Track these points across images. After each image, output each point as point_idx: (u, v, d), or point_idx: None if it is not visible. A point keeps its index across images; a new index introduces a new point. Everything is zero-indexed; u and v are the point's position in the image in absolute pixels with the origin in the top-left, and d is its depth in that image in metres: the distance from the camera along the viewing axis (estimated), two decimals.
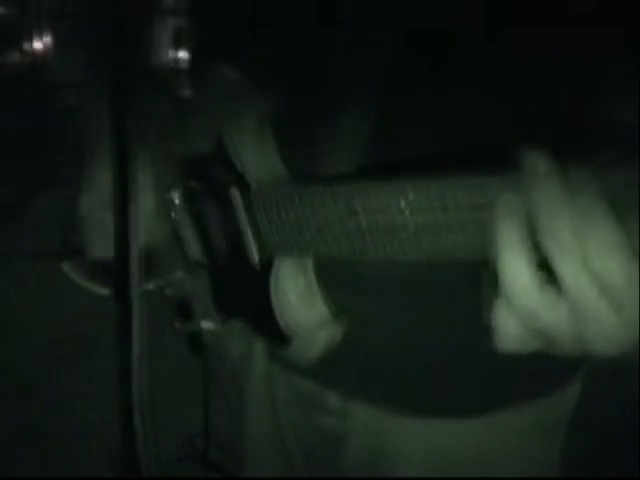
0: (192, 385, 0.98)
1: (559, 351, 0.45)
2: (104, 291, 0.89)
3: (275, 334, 0.73)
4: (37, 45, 4.23)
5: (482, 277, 0.46)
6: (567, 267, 0.41)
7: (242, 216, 0.74)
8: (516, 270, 0.43)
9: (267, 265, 0.73)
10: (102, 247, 0.83)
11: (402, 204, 0.55)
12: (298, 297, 0.71)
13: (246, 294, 0.78)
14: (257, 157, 0.73)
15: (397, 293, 0.73)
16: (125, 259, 0.64)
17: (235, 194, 0.74)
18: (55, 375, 2.15)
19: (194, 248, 0.87)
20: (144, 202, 0.87)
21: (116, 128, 0.59)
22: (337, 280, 0.72)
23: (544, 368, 0.72)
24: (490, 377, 0.75)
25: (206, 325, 0.89)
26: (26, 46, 4.22)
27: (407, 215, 0.55)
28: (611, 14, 0.53)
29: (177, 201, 0.86)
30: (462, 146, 0.60)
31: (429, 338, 0.74)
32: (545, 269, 0.42)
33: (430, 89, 0.63)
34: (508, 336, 0.45)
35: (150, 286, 0.90)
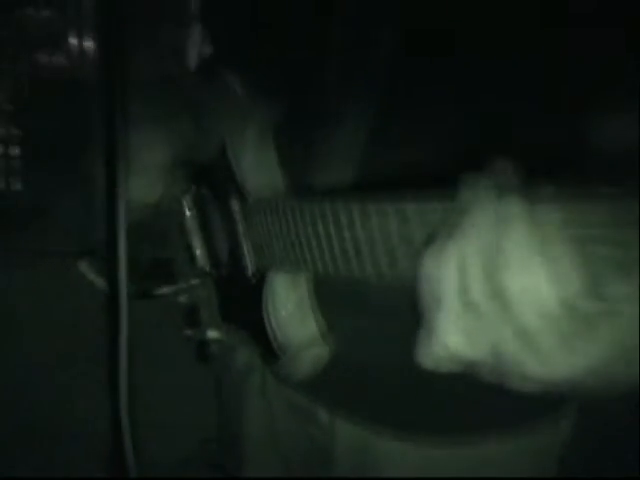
0: (203, 390, 0.98)
1: (483, 376, 0.44)
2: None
3: (268, 347, 0.73)
4: (69, 46, 4.30)
5: None
6: (482, 291, 0.41)
7: (240, 227, 0.74)
8: (441, 292, 0.43)
9: (263, 277, 0.73)
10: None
11: (398, 220, 0.52)
12: (289, 313, 0.71)
13: (245, 305, 0.78)
14: (257, 167, 0.72)
15: (394, 314, 0.71)
16: (114, 261, 0.64)
17: (234, 204, 0.75)
18: (58, 375, 2.16)
19: (201, 256, 0.88)
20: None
21: (106, 131, 0.59)
22: (333, 298, 0.71)
23: (538, 394, 0.71)
24: (484, 404, 0.72)
25: (211, 334, 0.90)
26: (59, 47, 4.30)
27: (404, 230, 0.52)
28: (611, 14, 0.52)
29: (187, 209, 0.88)
30: (461, 147, 0.59)
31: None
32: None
33: (429, 89, 0.62)
34: (429, 356, 0.44)
35: (163, 291, 0.92)
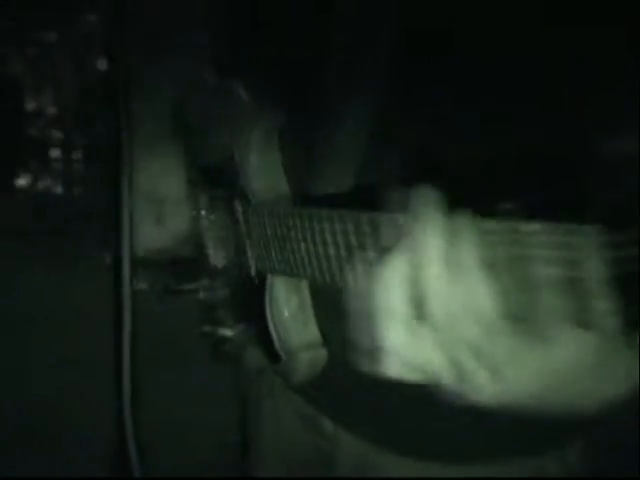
0: (211, 390, 0.97)
1: (442, 387, 0.44)
2: (143, 285, 0.90)
3: (270, 349, 0.73)
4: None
5: None
6: (434, 306, 0.40)
7: (243, 229, 0.75)
8: (390, 304, 0.43)
9: (265, 279, 0.73)
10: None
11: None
12: (291, 316, 0.70)
13: (251, 305, 0.78)
14: (261, 170, 0.73)
15: None
16: (118, 260, 0.65)
17: (238, 207, 0.75)
18: (59, 374, 2.15)
19: (214, 256, 0.88)
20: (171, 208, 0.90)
21: (110, 133, 0.60)
22: (334, 306, 0.71)
23: (545, 423, 0.69)
24: (486, 425, 0.68)
25: (225, 332, 0.90)
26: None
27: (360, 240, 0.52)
28: (611, 14, 0.51)
29: (201, 210, 0.88)
30: (463, 147, 0.58)
31: None
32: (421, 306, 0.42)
33: (430, 89, 0.61)
34: (392, 365, 0.44)
35: (183, 288, 0.92)
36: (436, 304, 0.40)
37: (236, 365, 0.99)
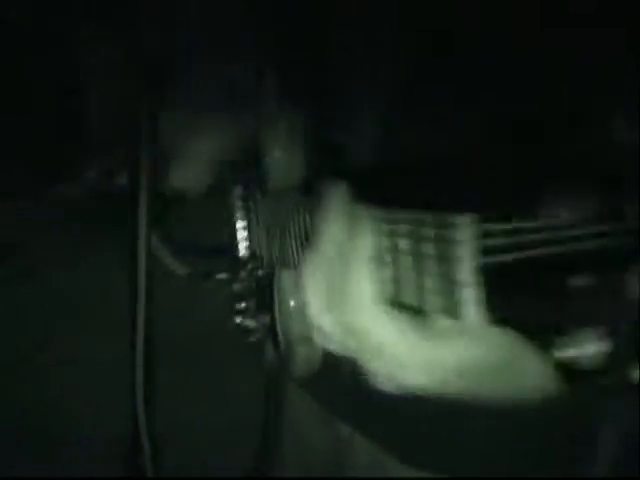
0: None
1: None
2: (183, 271, 0.92)
3: (275, 341, 0.73)
4: None
5: None
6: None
7: (257, 221, 0.77)
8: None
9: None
10: None
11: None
12: (294, 308, 0.70)
13: (265, 296, 0.79)
14: (281, 164, 0.73)
15: None
16: (134, 258, 0.64)
17: (257, 197, 0.77)
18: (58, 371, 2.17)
19: (243, 246, 0.87)
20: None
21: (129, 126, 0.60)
22: None
23: (557, 447, 0.63)
24: (502, 448, 0.65)
25: (248, 323, 0.87)
26: None
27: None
28: (611, 14, 0.50)
29: (235, 199, 0.87)
30: (468, 148, 0.57)
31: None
32: None
33: (434, 89, 0.60)
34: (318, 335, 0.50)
35: (221, 276, 0.91)
36: (332, 291, 0.43)
37: (256, 361, 0.98)
